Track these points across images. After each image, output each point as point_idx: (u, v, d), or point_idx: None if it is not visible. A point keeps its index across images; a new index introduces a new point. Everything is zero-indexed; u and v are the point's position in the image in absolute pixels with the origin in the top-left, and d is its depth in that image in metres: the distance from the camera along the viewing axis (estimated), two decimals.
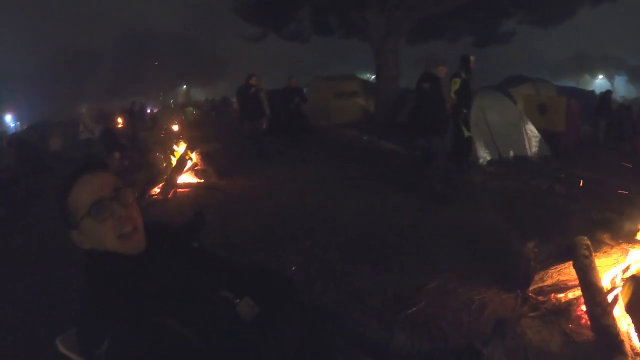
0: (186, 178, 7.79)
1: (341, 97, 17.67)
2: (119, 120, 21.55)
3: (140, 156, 10.52)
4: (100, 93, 46.48)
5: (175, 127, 12.60)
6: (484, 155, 8.83)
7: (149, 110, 25.02)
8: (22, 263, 4.88)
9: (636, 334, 2.67)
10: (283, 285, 1.82)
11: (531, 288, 3.27)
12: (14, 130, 31.47)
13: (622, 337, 2.65)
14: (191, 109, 28.41)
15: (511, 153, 9.18)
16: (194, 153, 8.10)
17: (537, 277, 3.25)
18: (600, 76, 62.56)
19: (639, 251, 3.19)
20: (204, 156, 8.59)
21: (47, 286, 4.11)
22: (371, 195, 6.74)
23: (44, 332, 3.19)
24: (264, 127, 10.17)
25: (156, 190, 7.31)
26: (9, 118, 47.60)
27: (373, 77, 19.45)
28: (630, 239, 3.40)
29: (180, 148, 8.00)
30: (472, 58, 7.76)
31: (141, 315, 1.28)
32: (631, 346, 2.66)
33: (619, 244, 3.38)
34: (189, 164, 7.85)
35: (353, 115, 17.12)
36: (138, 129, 17.09)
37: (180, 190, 7.40)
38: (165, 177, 7.45)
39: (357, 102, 18.24)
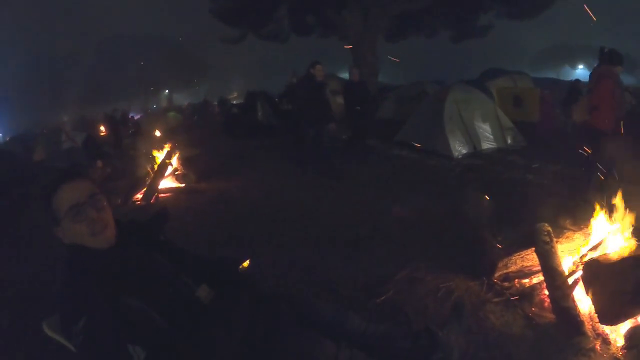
0: (167, 183, 7.85)
1: None
2: (102, 128, 21.33)
3: (122, 163, 10.54)
4: (81, 100, 45.84)
5: (158, 133, 12.57)
6: (458, 149, 8.96)
7: (131, 117, 24.77)
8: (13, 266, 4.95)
9: (596, 315, 2.77)
10: (237, 272, 2.06)
11: (496, 275, 3.37)
12: None
13: (582, 319, 2.76)
14: (173, 113, 28.22)
15: (486, 145, 9.29)
16: (174, 158, 8.16)
17: (501, 264, 3.36)
18: (581, 66, 62.71)
19: (599, 236, 3.30)
20: (184, 161, 8.64)
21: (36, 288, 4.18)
22: (345, 190, 6.86)
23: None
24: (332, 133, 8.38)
25: (139, 196, 7.37)
26: None
27: None
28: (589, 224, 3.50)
29: (160, 154, 8.04)
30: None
31: (112, 297, 1.55)
32: (592, 327, 2.77)
33: (581, 229, 3.50)
34: (170, 169, 7.92)
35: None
36: (121, 136, 17.03)
37: (162, 195, 7.44)
38: (147, 182, 7.51)
39: (337, 101, 18.31)
